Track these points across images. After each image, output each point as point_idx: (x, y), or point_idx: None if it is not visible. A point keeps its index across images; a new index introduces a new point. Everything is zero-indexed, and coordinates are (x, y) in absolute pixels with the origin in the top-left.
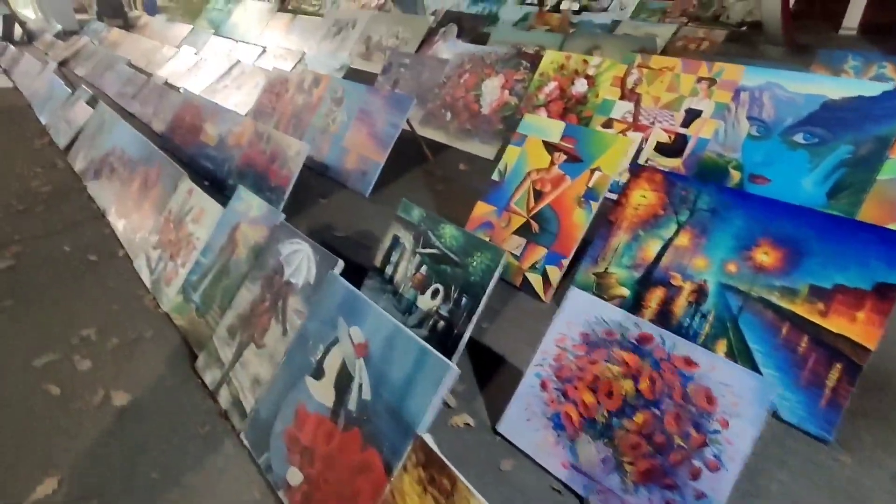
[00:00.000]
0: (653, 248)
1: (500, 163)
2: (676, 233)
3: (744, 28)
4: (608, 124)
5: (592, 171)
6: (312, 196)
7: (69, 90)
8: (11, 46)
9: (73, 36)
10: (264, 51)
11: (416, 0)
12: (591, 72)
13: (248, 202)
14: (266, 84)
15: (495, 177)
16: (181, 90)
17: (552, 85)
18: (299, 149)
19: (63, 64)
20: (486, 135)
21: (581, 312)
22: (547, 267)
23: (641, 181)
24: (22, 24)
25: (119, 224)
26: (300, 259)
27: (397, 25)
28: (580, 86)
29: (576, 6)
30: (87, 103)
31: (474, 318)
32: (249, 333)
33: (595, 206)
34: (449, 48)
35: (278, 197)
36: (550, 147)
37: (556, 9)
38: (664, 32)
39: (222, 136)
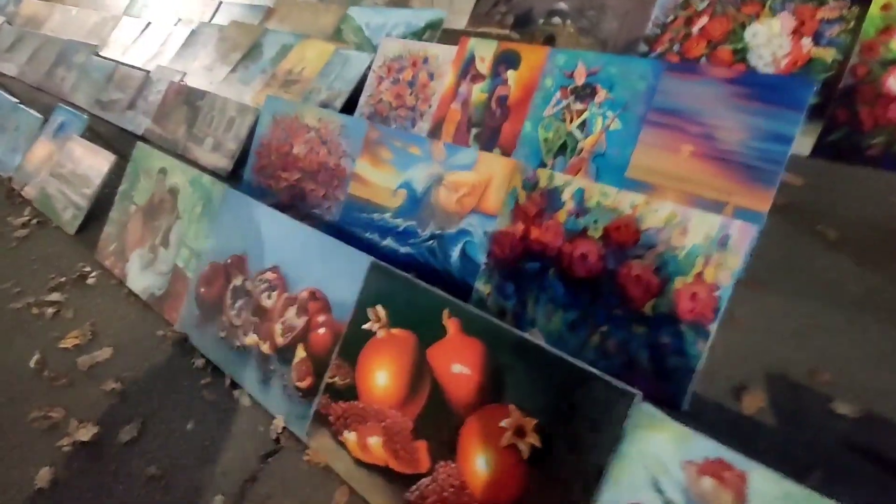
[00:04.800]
0: None
1: None
2: None
3: None
4: None
5: None
6: None
7: (38, 116)
8: None
9: None
10: None
11: None
12: None
13: None
14: (381, 61)
15: None
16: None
17: None
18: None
19: None
20: None
21: None
22: None
23: None
24: None
25: None
26: None
27: None
28: None
29: None
30: (102, 148)
31: None
32: None
33: None
34: None
35: (678, 385)
36: None
37: None
38: None
39: (417, 188)
